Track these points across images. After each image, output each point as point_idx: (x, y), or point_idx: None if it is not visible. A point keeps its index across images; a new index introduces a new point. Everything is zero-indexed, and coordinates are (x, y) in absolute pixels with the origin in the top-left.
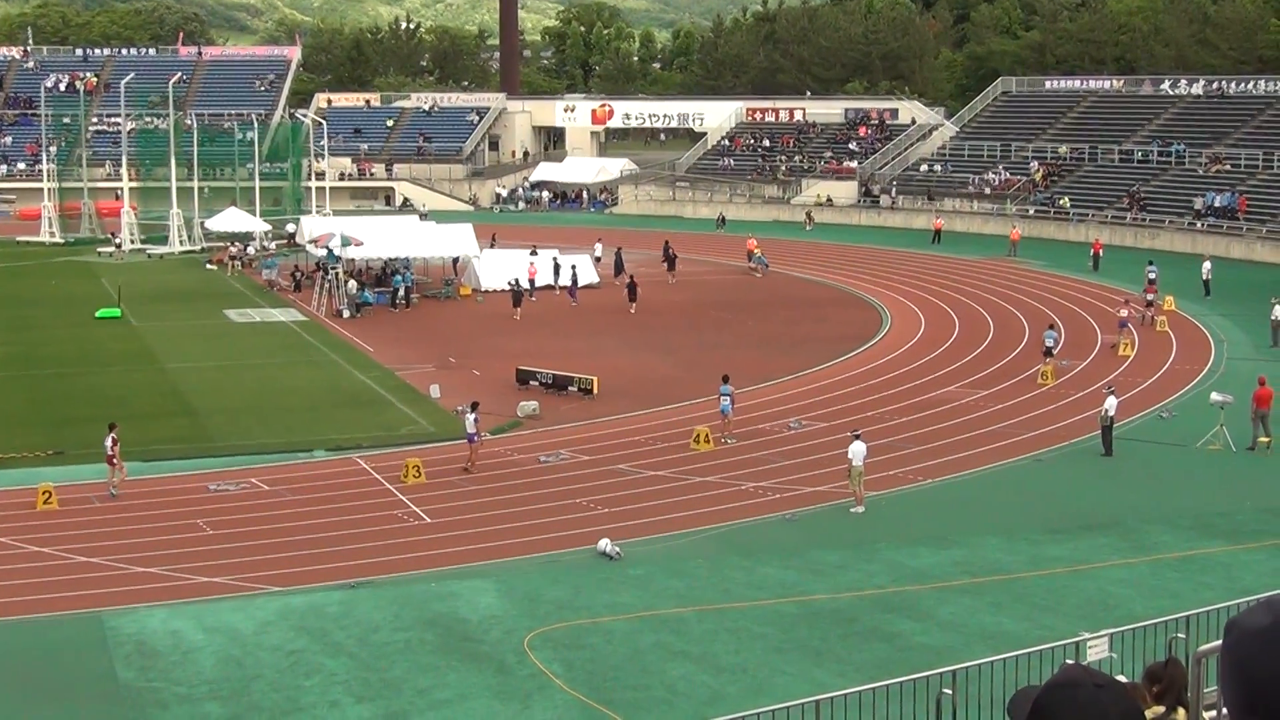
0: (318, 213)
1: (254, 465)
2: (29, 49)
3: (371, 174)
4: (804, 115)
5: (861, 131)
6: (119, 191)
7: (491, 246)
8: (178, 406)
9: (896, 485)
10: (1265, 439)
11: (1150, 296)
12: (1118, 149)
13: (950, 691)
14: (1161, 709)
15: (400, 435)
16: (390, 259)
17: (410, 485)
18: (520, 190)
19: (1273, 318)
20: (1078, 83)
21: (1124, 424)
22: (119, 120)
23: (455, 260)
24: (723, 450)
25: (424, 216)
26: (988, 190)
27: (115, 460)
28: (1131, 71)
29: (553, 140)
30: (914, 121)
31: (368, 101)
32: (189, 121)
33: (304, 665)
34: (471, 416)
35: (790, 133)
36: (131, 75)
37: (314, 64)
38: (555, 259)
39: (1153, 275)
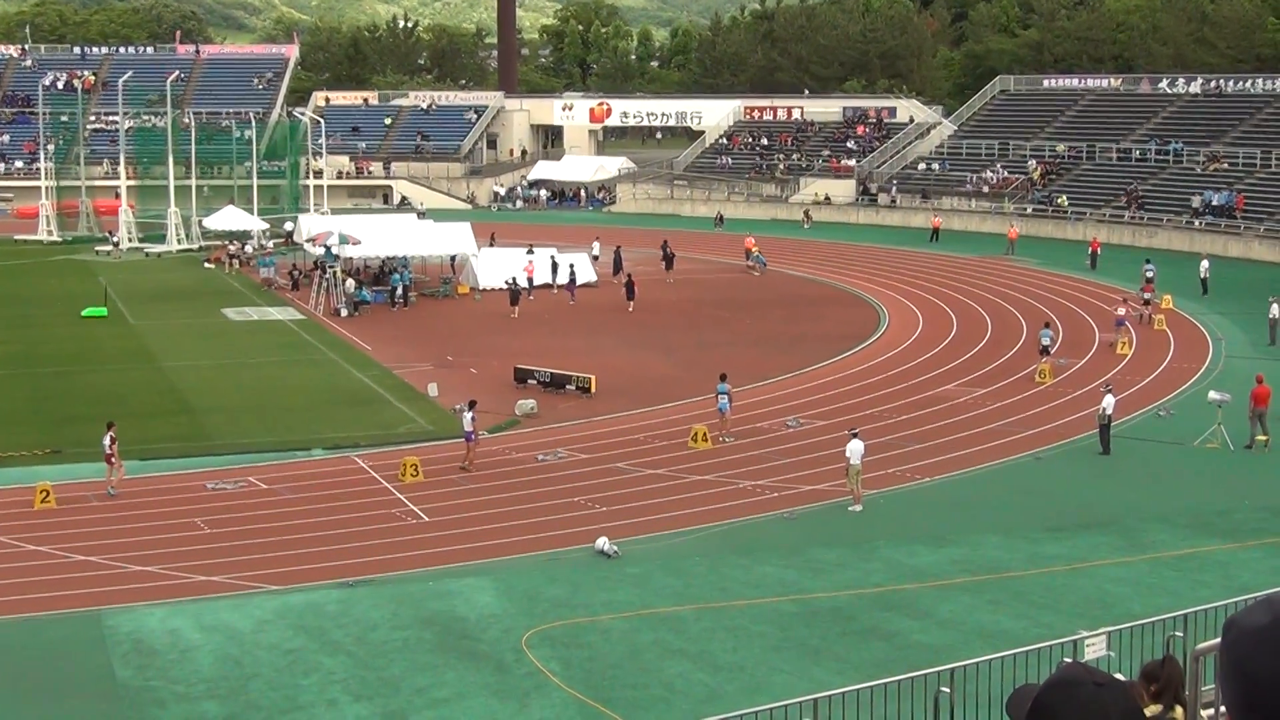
0: (316, 211)
1: (252, 464)
2: (27, 47)
3: (369, 172)
4: (802, 114)
5: (859, 130)
6: (117, 190)
7: (491, 245)
8: (176, 405)
9: (895, 484)
10: (1263, 437)
11: (1147, 295)
12: (1116, 147)
13: (948, 690)
14: (1159, 708)
15: (398, 434)
16: (388, 257)
17: (408, 484)
18: (518, 189)
19: (1270, 316)
20: (1076, 81)
21: (1122, 422)
22: (117, 119)
23: (453, 259)
24: (721, 449)
25: (422, 215)
26: (986, 189)
27: (114, 459)
28: (1129, 70)
29: (551, 139)
30: (912, 120)
31: (366, 100)
32: (187, 120)
33: (302, 664)
34: (469, 415)
35: (788, 131)
36: (129, 74)
37: (312, 62)
38: (553, 257)
39: (1150, 274)
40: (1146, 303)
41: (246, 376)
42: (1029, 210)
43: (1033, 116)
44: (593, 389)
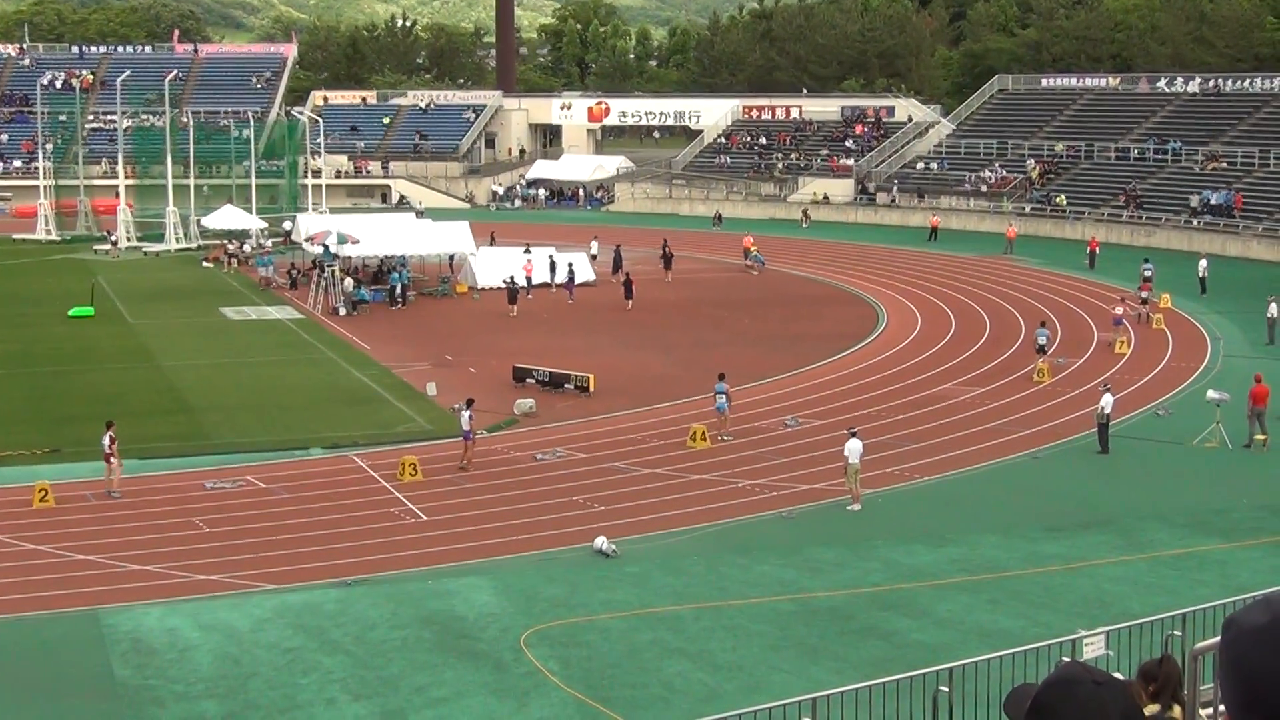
0: (314, 210)
1: (250, 463)
2: (25, 46)
3: (368, 172)
4: (800, 113)
5: (858, 129)
6: (116, 189)
7: (491, 244)
8: (174, 404)
9: (893, 483)
10: (1261, 436)
11: (1145, 294)
12: (1114, 147)
13: (947, 689)
14: (1157, 707)
15: (397, 433)
16: (386, 257)
17: (407, 483)
18: (517, 188)
19: (1269, 315)
20: (1074, 80)
21: (1120, 421)
22: (115, 118)
23: (451, 258)
24: (719, 448)
25: (420, 214)
26: (984, 188)
27: (113, 459)
28: (1128, 69)
29: (549, 138)
30: (910, 119)
31: (364, 99)
32: (185, 119)
33: (300, 663)
34: (466, 414)
35: (787, 130)
36: (128, 73)
37: (310, 61)
38: (551, 256)
39: (1148, 273)
40: (1144, 301)
41: (245, 376)
42: (1027, 209)
43: (1031, 116)
44: (591, 388)
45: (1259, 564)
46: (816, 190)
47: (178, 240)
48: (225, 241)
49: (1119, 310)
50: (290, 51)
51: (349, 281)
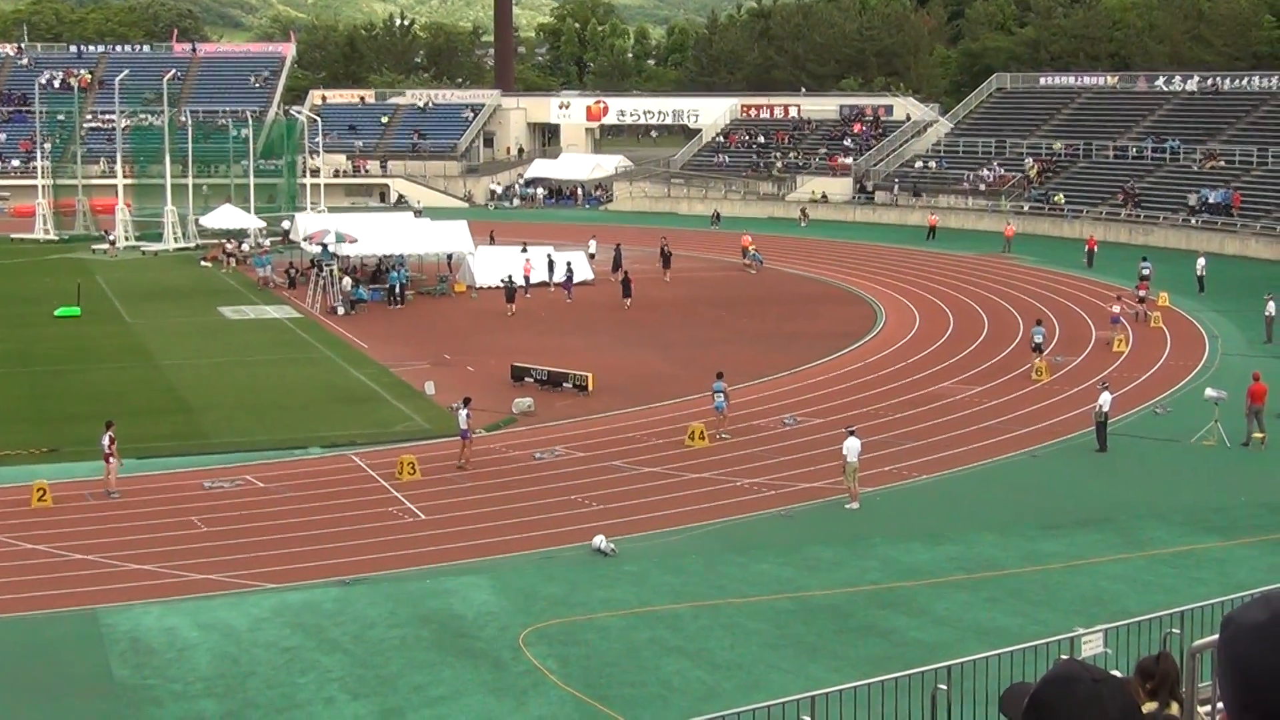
0: (312, 209)
1: (249, 462)
2: (23, 45)
3: (366, 171)
4: (799, 112)
5: (856, 128)
6: (115, 189)
7: (489, 243)
8: (173, 403)
9: (891, 481)
10: (1259, 434)
11: (1142, 293)
12: (1112, 145)
13: (945, 687)
14: (1155, 704)
15: (395, 432)
16: (385, 256)
17: (405, 482)
18: (515, 187)
19: (1267, 313)
20: (1072, 79)
21: (1118, 420)
22: (113, 117)
23: (450, 257)
24: (717, 446)
25: (419, 213)
26: (982, 186)
27: (112, 458)
28: (1126, 68)
29: (547, 137)
30: (909, 118)
31: (362, 98)
32: (184, 118)
33: (299, 662)
34: (463, 412)
35: (785, 129)
36: (126, 72)
37: (309, 61)
38: (549, 255)
39: (1146, 271)
40: (1142, 300)
41: (243, 375)
42: (1025, 208)
43: (1029, 114)
44: (589, 387)
45: (1257, 562)
46: (815, 189)
47: (176, 240)
48: (224, 241)
49: (1117, 309)
50: (289, 51)
51: (347, 281)
